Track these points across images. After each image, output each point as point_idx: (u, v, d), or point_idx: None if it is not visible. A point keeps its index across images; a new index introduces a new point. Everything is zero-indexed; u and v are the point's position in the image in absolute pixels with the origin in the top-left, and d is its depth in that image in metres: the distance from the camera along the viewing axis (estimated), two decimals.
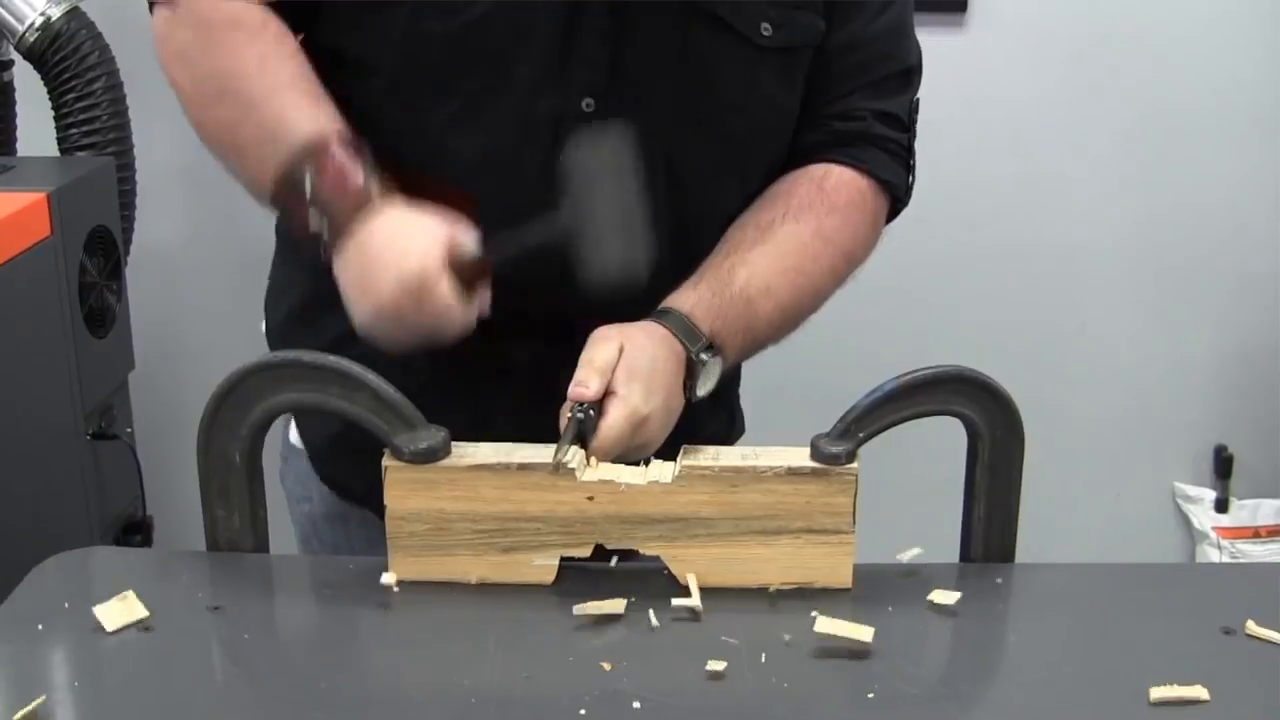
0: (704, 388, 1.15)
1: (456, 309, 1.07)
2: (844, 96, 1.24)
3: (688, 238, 1.21)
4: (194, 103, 1.18)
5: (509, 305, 1.13)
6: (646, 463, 1.06)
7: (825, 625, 0.98)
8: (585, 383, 1.07)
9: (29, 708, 0.87)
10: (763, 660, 0.96)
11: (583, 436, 1.06)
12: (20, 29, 2.08)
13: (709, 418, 1.31)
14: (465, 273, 1.07)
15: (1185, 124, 2.48)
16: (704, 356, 1.14)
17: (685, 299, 1.16)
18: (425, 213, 1.09)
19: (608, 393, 1.08)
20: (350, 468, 1.29)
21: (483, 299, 1.09)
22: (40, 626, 0.99)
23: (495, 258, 1.08)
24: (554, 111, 1.15)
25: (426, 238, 1.07)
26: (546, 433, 1.07)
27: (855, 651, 0.97)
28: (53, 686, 0.93)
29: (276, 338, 1.35)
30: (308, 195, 1.09)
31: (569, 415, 1.06)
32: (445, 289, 1.06)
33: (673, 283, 1.19)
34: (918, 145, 1.29)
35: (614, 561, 1.08)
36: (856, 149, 1.25)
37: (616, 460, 1.07)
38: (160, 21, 1.19)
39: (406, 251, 1.06)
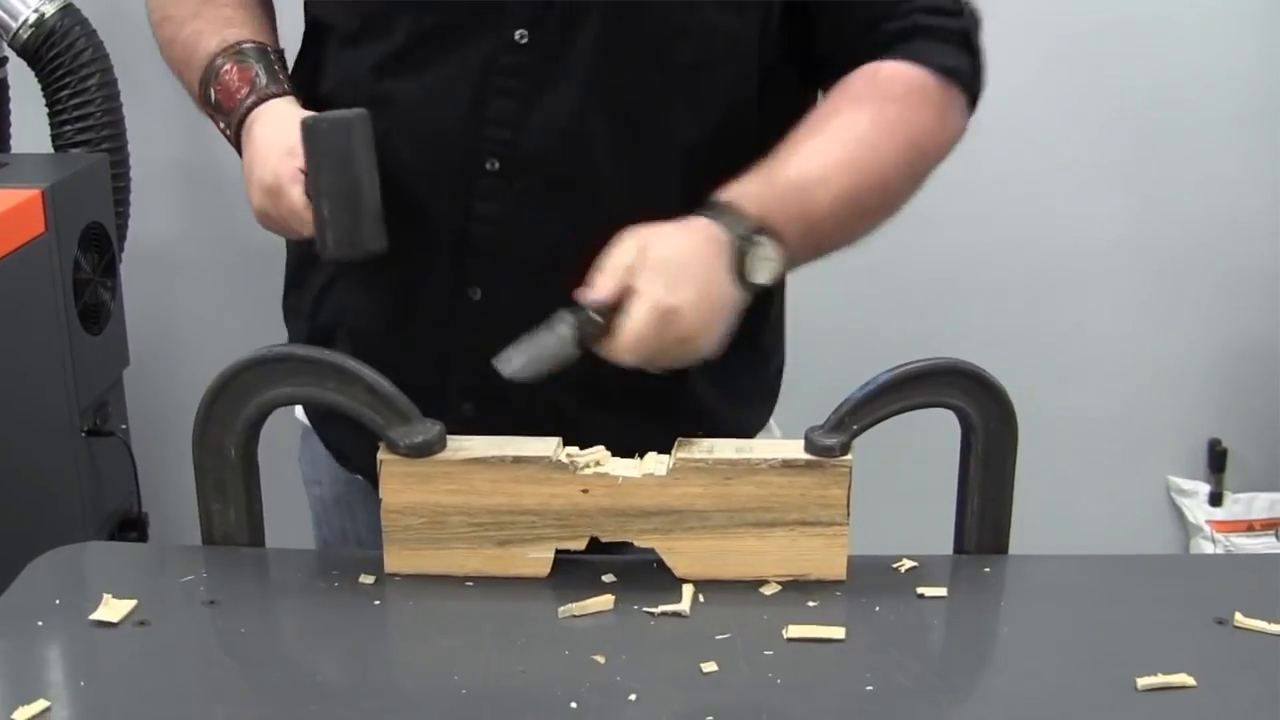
0: (762, 274, 1.07)
1: (304, 214, 1.13)
2: (883, 7, 1.18)
3: (646, 174, 1.17)
4: (154, 26, 1.30)
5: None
6: (641, 455, 1.07)
7: (796, 631, 0.99)
8: (591, 283, 1.03)
9: (32, 715, 0.88)
10: (758, 652, 0.96)
11: (583, 343, 1.03)
12: (14, 26, 2.08)
13: (740, 364, 1.22)
14: None
15: (1177, 119, 2.48)
16: (756, 238, 1.07)
17: (728, 191, 1.09)
18: (296, 115, 1.15)
19: (627, 290, 1.03)
20: (346, 434, 1.30)
21: None
22: (35, 622, 0.99)
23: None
24: (486, 46, 1.15)
25: (288, 143, 1.13)
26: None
27: (850, 644, 0.98)
28: (49, 682, 0.93)
29: (285, 311, 1.38)
30: (211, 104, 1.22)
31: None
32: (295, 195, 1.13)
33: (640, 215, 1.11)
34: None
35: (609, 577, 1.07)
36: (908, 45, 1.17)
37: (656, 364, 1.04)
38: None
39: (268, 156, 1.15)
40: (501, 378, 1.06)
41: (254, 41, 1.22)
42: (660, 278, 1.03)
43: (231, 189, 1.20)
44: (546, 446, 1.05)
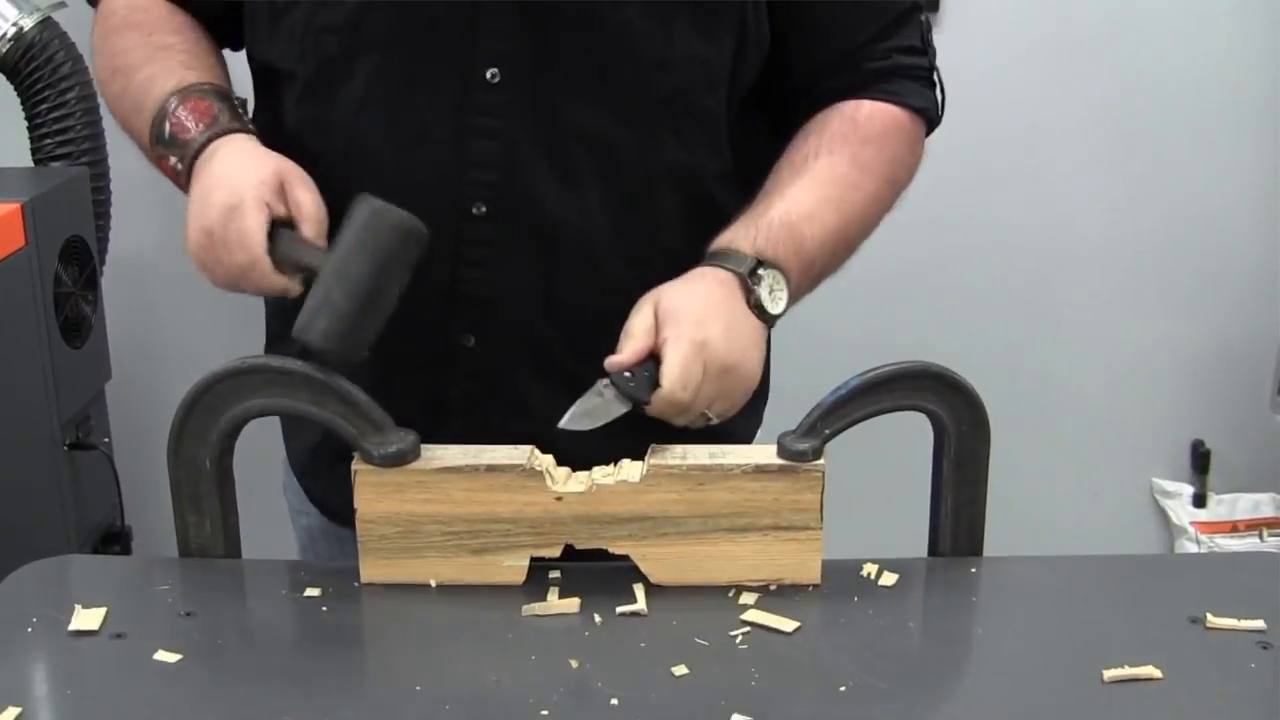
0: (775, 304, 1.12)
1: (258, 245, 1.05)
2: (863, 45, 1.22)
3: (636, 200, 1.19)
4: (100, 82, 1.27)
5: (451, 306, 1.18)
6: (615, 463, 1.07)
7: (753, 615, 1.01)
8: (620, 350, 1.06)
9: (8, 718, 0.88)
10: (731, 655, 0.97)
11: (634, 399, 1.05)
12: None
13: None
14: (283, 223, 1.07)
15: (1161, 121, 2.49)
16: (760, 272, 1.11)
17: (720, 238, 1.14)
18: (267, 153, 1.11)
19: (659, 344, 1.06)
20: (332, 484, 1.29)
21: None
22: (13, 634, 0.99)
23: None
24: (457, 85, 1.14)
25: (258, 170, 1.08)
26: (499, 420, 1.11)
27: (825, 645, 0.98)
28: (27, 694, 0.93)
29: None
30: (165, 139, 1.14)
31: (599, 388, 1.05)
32: (253, 219, 1.05)
33: (632, 252, 1.18)
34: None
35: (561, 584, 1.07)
36: (888, 84, 1.23)
37: (713, 405, 1.07)
38: (94, 19, 1.29)
39: (234, 180, 1.07)
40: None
41: (213, 84, 1.16)
42: (683, 321, 1.06)
43: None
44: (520, 455, 1.05)
